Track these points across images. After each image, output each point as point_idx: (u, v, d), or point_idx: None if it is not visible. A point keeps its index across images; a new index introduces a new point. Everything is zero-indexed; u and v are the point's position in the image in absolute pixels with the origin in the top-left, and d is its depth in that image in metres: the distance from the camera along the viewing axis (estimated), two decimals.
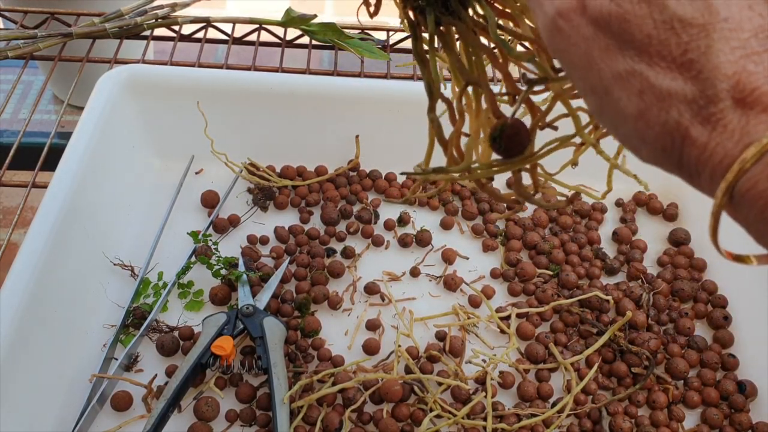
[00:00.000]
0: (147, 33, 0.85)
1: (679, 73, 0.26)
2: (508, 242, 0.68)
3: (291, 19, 0.85)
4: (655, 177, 0.73)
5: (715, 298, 0.65)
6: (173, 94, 0.70)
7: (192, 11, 0.89)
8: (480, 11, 0.36)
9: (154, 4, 0.88)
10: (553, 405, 0.56)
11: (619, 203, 0.73)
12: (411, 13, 0.38)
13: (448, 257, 0.66)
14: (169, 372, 0.56)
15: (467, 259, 0.67)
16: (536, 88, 0.35)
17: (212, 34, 0.88)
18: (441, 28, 0.38)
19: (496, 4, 0.37)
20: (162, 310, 0.61)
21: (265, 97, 0.71)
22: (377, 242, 0.68)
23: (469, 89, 0.38)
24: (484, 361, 0.58)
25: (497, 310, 0.62)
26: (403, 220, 0.69)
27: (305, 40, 0.87)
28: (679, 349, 0.61)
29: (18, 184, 0.68)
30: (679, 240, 0.69)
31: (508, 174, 0.62)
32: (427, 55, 0.38)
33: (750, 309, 0.63)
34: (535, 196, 0.41)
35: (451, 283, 0.64)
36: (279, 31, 0.88)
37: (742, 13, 0.26)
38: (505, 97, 0.39)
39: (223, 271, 0.62)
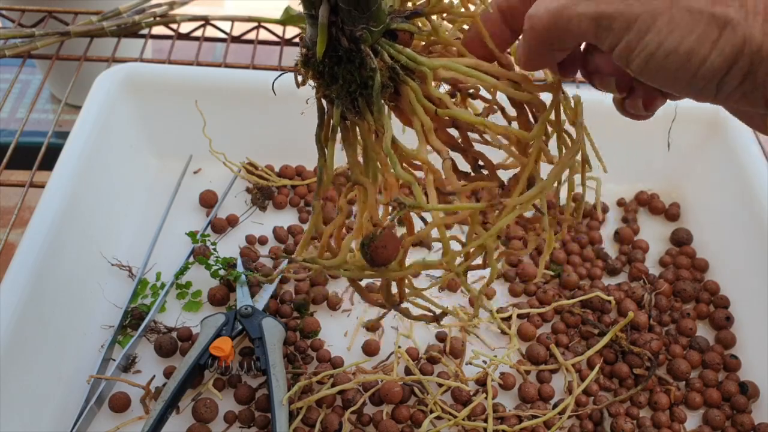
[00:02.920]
0: (145, 31, 0.85)
1: None
2: (509, 242, 0.68)
3: (290, 17, 0.84)
4: (657, 177, 0.73)
5: (717, 298, 0.64)
6: (171, 93, 0.70)
7: (190, 9, 0.89)
8: (386, 124, 0.37)
9: (152, 2, 0.88)
10: (555, 406, 0.56)
11: (620, 203, 0.73)
12: (323, 100, 0.39)
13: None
14: (168, 373, 0.56)
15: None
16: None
17: (210, 32, 0.87)
18: (347, 122, 0.38)
19: (407, 112, 0.38)
20: (160, 311, 0.61)
21: (264, 95, 0.70)
22: None
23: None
24: (484, 362, 0.57)
25: (498, 311, 0.62)
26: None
27: None
28: (681, 350, 0.60)
29: (15, 184, 0.68)
30: (681, 240, 0.69)
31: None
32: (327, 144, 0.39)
33: (752, 309, 0.62)
34: (401, 305, 0.43)
35: (451, 284, 0.64)
36: (278, 29, 0.87)
37: None
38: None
39: (222, 272, 0.62)
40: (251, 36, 0.87)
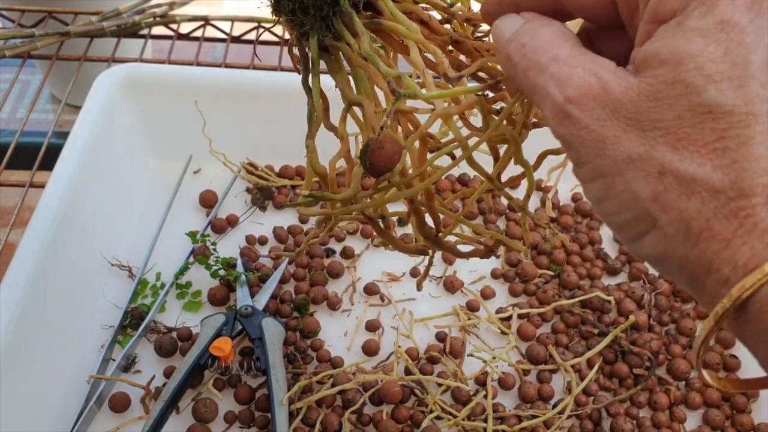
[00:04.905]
0: (145, 32, 0.85)
1: (708, 160, 0.24)
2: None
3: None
4: None
5: None
6: (171, 93, 0.70)
7: (190, 9, 0.89)
8: (359, 29, 0.35)
9: (152, 2, 0.88)
10: (554, 406, 0.56)
11: None
12: (302, 45, 0.37)
13: (448, 257, 0.66)
14: (168, 373, 0.56)
15: (467, 259, 0.66)
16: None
17: (210, 32, 0.87)
18: (331, 55, 0.37)
19: (387, 32, 0.36)
20: (160, 311, 0.61)
21: (264, 96, 0.70)
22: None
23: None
24: (484, 361, 0.57)
25: (498, 311, 0.62)
26: (402, 221, 0.69)
27: None
28: (681, 350, 0.60)
29: (15, 184, 0.68)
30: None
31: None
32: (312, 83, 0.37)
33: None
34: (441, 236, 0.39)
35: (451, 285, 0.64)
36: (278, 29, 0.87)
37: None
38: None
39: (222, 272, 0.62)
40: (251, 36, 0.87)
